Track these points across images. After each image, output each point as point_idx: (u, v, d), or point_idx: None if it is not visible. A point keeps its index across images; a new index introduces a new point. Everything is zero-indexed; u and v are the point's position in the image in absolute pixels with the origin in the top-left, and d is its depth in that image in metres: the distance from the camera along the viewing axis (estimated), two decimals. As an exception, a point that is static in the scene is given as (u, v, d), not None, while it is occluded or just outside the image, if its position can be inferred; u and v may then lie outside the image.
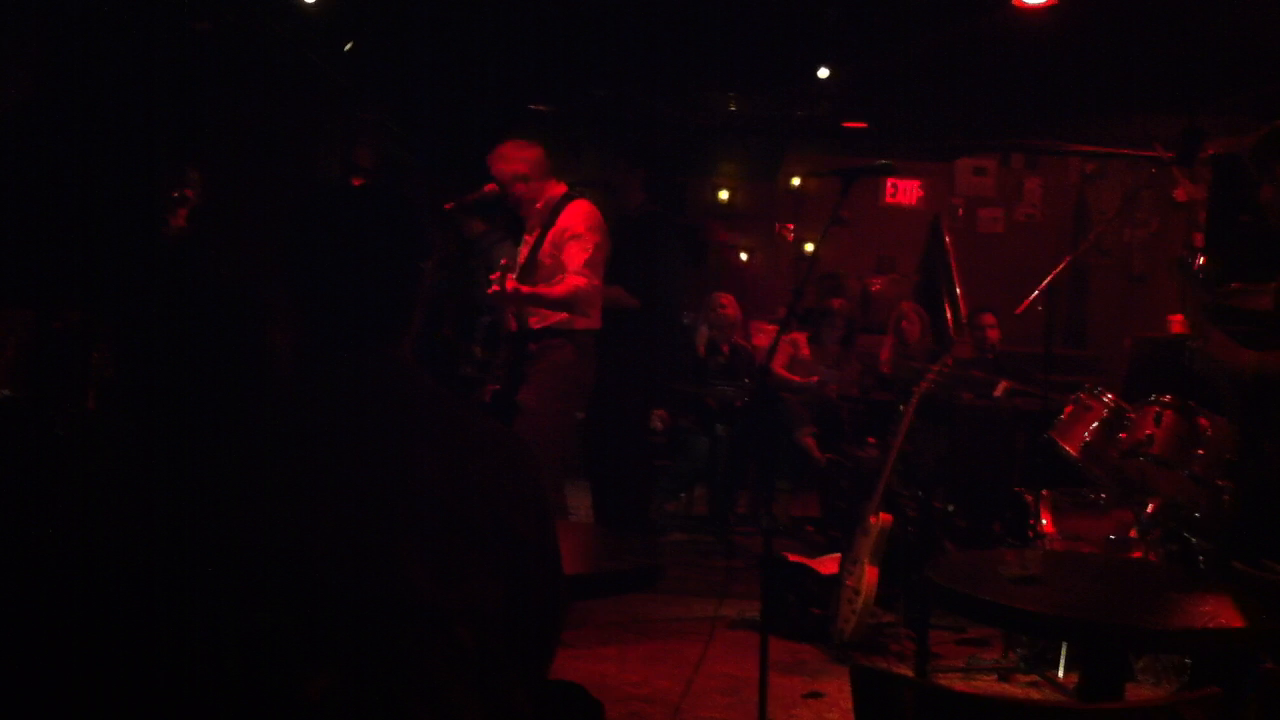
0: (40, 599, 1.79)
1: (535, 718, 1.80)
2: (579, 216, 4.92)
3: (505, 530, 1.75)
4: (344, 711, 1.61)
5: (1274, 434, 3.25)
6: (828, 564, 5.00)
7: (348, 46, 6.89)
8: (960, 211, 10.68)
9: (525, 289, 4.80)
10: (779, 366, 7.39)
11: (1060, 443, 4.63)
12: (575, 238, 4.86)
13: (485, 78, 7.57)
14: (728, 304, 7.35)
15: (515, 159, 4.98)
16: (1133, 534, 4.43)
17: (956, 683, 4.41)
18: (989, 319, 7.39)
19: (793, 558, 5.12)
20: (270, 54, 6.25)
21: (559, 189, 5.03)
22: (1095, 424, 4.55)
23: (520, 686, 1.78)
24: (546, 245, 4.94)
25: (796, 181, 10.85)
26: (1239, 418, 3.44)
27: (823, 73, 7.18)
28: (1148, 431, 4.29)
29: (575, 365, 4.97)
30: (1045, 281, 5.00)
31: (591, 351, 5.07)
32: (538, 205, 5.01)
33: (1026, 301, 5.10)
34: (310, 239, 1.84)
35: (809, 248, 10.61)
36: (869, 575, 4.65)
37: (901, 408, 5.04)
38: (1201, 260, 3.64)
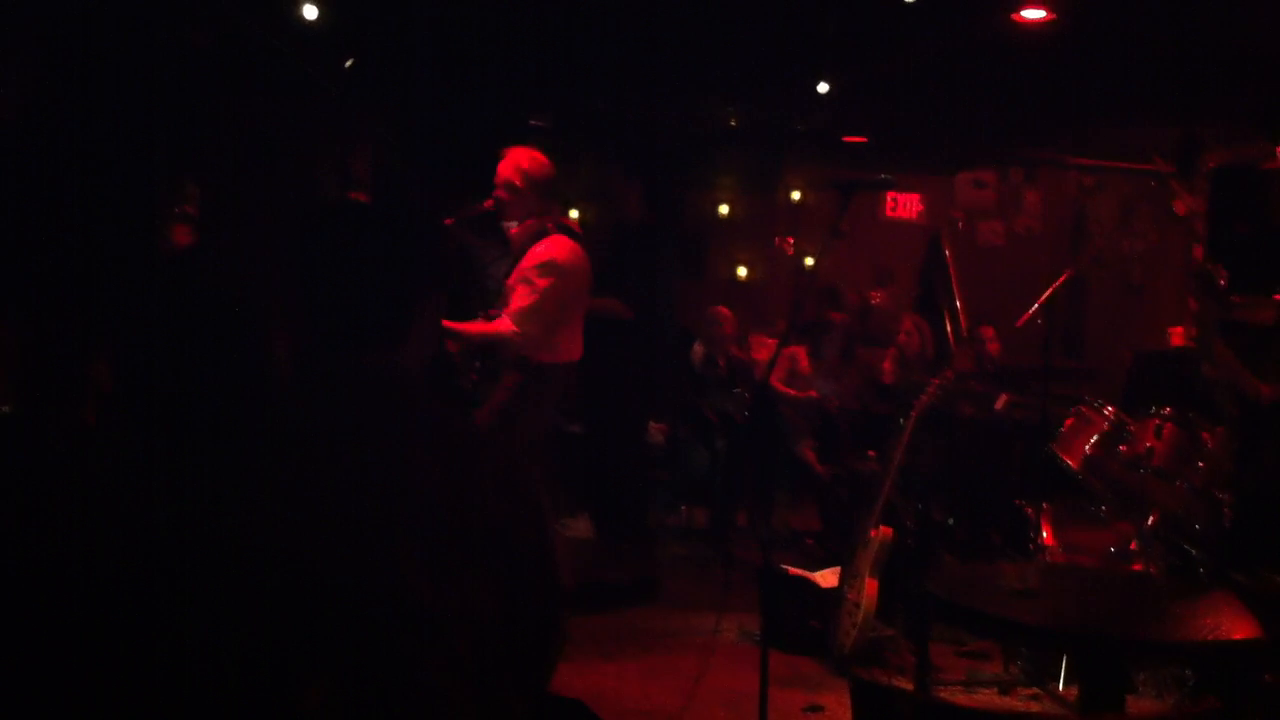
0: (40, 598, 1.78)
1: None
2: (540, 256, 4.67)
3: (502, 537, 1.75)
4: (341, 717, 1.61)
5: (1273, 445, 3.26)
6: (828, 578, 4.99)
7: (348, 64, 6.90)
8: (960, 225, 10.68)
9: (447, 323, 4.61)
10: (777, 380, 7.39)
11: (1061, 455, 4.62)
12: (525, 281, 4.64)
13: (484, 88, 7.58)
14: (724, 321, 7.35)
15: (513, 163, 4.79)
16: (1133, 546, 4.42)
17: (957, 696, 4.39)
18: (989, 332, 7.39)
19: (792, 571, 5.11)
20: (269, 66, 6.27)
21: (542, 220, 4.78)
22: (1096, 437, 4.54)
23: (519, 695, 1.77)
24: (514, 276, 4.75)
25: (796, 195, 10.85)
26: (1238, 427, 3.45)
27: (822, 88, 7.20)
28: (1148, 444, 4.29)
29: (510, 388, 4.73)
30: (1045, 295, 5.01)
31: (538, 381, 4.80)
32: (514, 230, 4.81)
33: (1026, 315, 5.10)
34: (311, 243, 1.85)
35: (809, 262, 10.61)
36: (869, 589, 4.64)
37: (901, 421, 5.04)
38: (1223, 277, 3.65)
